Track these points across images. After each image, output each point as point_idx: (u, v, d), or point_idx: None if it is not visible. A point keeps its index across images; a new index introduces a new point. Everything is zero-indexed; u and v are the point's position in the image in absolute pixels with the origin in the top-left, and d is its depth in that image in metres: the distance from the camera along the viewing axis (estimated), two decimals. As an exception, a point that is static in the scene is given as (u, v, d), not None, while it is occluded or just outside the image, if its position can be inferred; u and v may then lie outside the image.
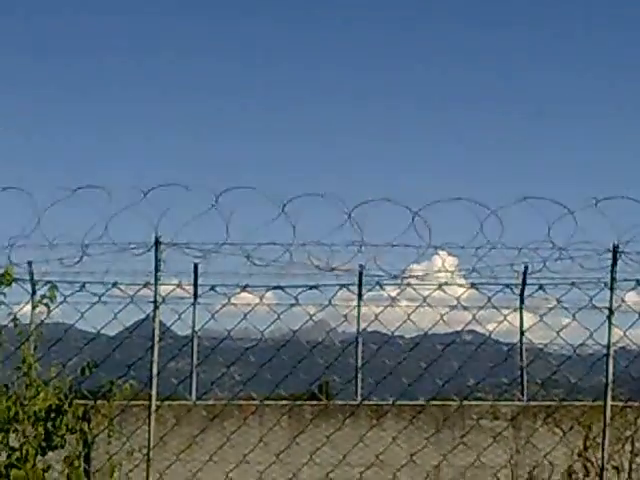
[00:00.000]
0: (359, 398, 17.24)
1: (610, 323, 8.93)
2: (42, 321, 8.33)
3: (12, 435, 7.59)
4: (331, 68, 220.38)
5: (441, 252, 9.62)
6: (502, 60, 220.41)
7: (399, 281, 9.86)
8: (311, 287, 8.53)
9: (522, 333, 17.35)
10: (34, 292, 9.42)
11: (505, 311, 9.75)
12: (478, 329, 10.64)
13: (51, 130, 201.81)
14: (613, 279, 9.03)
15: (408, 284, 9.58)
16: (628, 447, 12.63)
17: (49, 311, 8.06)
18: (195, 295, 13.17)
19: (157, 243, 9.08)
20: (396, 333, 9.60)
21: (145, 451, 9.29)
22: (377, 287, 9.16)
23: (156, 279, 9.08)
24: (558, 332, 9.17)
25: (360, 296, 15.30)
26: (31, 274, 12.74)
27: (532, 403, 16.27)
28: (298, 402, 16.11)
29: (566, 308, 9.23)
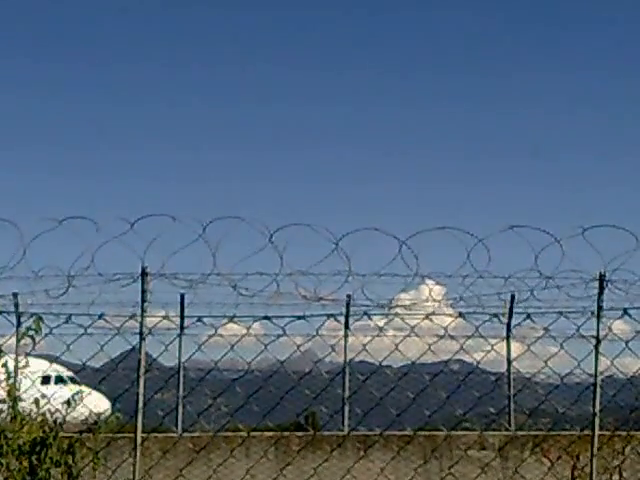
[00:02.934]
0: (346, 429, 17.15)
1: (597, 352, 8.92)
2: (27, 353, 8.27)
3: (-4, 469, 7.51)
4: (315, 100, 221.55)
5: (428, 281, 9.63)
6: (491, 92, 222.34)
7: (386, 311, 9.84)
8: (298, 317, 8.52)
9: (509, 362, 17.34)
10: (19, 324, 9.37)
11: (492, 340, 9.78)
12: (465, 358, 10.62)
13: (37, 160, 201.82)
14: (600, 308, 9.01)
15: (395, 314, 9.57)
16: (616, 477, 12.57)
17: (34, 343, 8.00)
18: (182, 326, 13.13)
19: (144, 274, 9.03)
20: (384, 363, 9.59)
21: (130, 484, 9.18)
22: (364, 317, 9.11)
23: (142, 310, 9.02)
24: (546, 361, 9.17)
25: (347, 326, 15.25)
26: (16, 306, 12.69)
27: (520, 433, 16.22)
28: (285, 433, 16.00)
29: (553, 337, 9.24)
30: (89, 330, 8.65)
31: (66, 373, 26.09)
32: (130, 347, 9.43)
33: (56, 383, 25.51)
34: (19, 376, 9.49)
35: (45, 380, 25.24)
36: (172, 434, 16.60)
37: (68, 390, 20.41)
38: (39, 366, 19.41)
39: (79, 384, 23.09)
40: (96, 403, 21.41)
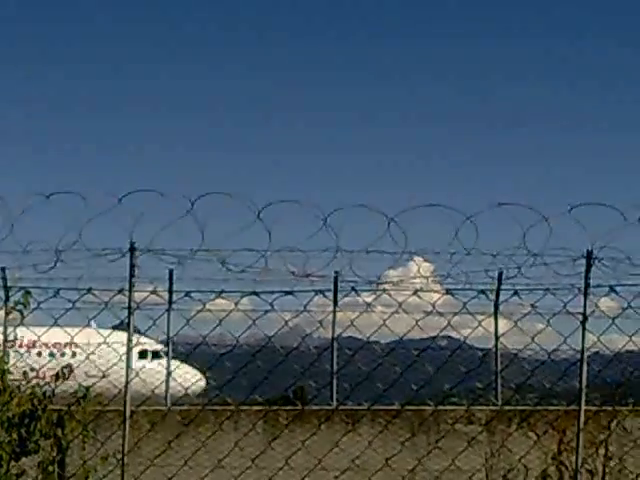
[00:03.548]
0: (334, 403, 17.25)
1: (584, 329, 8.98)
2: (15, 327, 8.30)
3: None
4: (308, 76, 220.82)
5: (416, 258, 9.65)
6: (477, 68, 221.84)
7: (374, 287, 9.87)
8: (286, 293, 8.56)
9: (497, 338, 17.42)
10: (7, 298, 9.37)
11: (480, 317, 9.82)
12: (453, 334, 10.67)
13: (25, 135, 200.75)
14: (587, 285, 9.07)
15: (383, 290, 9.61)
16: (602, 451, 12.69)
17: (23, 317, 8.03)
18: (170, 301, 13.12)
19: (132, 249, 9.04)
20: (371, 339, 9.65)
21: (119, 456, 9.25)
22: (352, 293, 9.15)
23: (131, 285, 9.04)
24: (533, 337, 9.24)
25: (335, 302, 15.28)
26: (4, 280, 12.68)
27: (506, 408, 16.32)
28: (273, 407, 16.08)
29: (540, 314, 9.30)
30: (77, 304, 8.68)
31: (162, 348, 26.39)
32: (118, 322, 9.47)
33: (152, 358, 25.91)
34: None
35: (142, 355, 25.71)
36: (161, 407, 16.68)
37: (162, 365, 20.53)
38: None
39: (173, 358, 23.30)
40: (191, 378, 21.79)
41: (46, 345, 27.22)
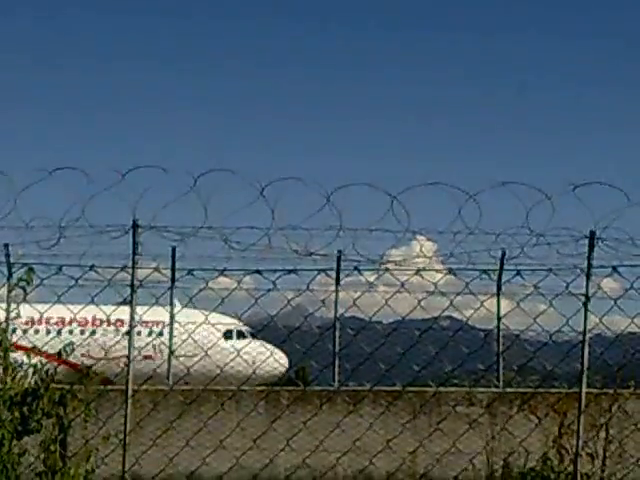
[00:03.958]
0: (336, 384, 17.27)
1: (586, 310, 8.96)
2: (18, 304, 8.29)
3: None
4: (313, 48, 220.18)
5: (419, 237, 9.62)
6: (482, 39, 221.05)
7: (377, 266, 9.85)
8: (289, 272, 8.55)
9: (499, 319, 17.43)
10: (10, 275, 9.37)
11: (482, 297, 9.81)
12: (455, 315, 10.66)
13: (28, 110, 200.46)
14: (590, 266, 9.04)
15: (386, 269, 9.59)
16: (603, 434, 12.70)
17: (26, 294, 8.02)
18: (173, 279, 13.11)
19: (135, 226, 9.02)
20: (374, 318, 9.64)
21: (121, 436, 9.26)
22: (355, 272, 9.14)
23: (133, 262, 9.03)
24: (535, 318, 9.22)
25: (338, 281, 15.26)
26: (7, 256, 12.65)
27: (508, 390, 16.35)
28: (275, 387, 16.11)
29: (543, 294, 9.28)
30: (80, 281, 8.68)
31: (245, 328, 26.42)
32: (121, 299, 9.46)
33: (237, 338, 25.94)
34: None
35: (227, 335, 25.76)
36: (163, 387, 16.70)
37: (247, 344, 20.64)
38: (218, 320, 19.66)
39: (256, 339, 23.23)
40: (276, 359, 21.68)
41: (146, 323, 27.08)
